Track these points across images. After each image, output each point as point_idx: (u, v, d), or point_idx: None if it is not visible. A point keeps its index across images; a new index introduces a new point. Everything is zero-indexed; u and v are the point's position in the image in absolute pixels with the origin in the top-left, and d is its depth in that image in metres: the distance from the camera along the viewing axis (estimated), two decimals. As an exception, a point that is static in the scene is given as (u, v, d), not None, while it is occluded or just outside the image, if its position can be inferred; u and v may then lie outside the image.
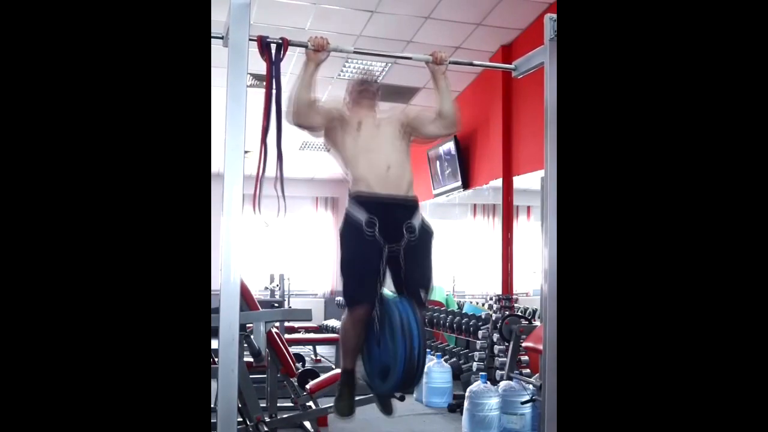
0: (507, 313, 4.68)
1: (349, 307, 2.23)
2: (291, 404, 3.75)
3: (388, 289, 2.24)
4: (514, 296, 5.17)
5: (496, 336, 4.54)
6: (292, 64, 5.36)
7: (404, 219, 2.20)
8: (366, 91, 2.37)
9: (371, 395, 2.42)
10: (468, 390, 3.83)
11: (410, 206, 2.26)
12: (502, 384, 3.85)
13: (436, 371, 4.56)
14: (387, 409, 2.37)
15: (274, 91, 1.95)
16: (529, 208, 5.96)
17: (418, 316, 2.14)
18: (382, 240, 2.13)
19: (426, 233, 2.29)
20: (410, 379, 2.15)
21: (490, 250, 5.64)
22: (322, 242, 9.27)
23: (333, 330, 6.71)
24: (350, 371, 2.31)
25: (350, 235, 2.21)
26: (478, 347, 4.80)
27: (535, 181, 4.83)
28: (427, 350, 5.22)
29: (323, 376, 3.65)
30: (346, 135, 2.25)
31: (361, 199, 2.20)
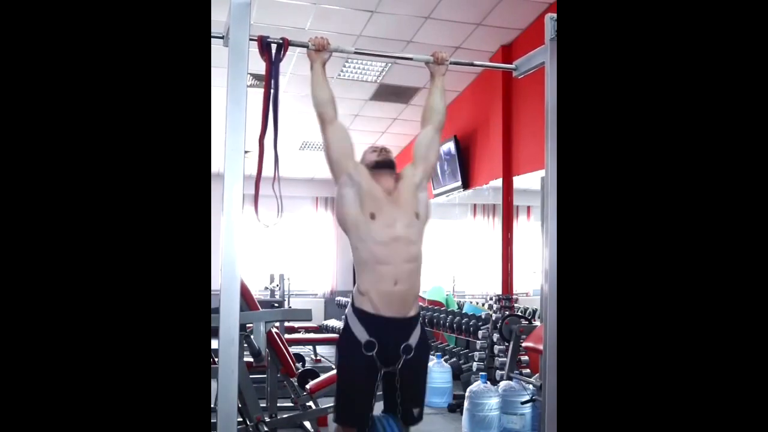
0: (507, 313, 4.68)
1: (337, 421, 2.21)
2: (291, 404, 3.75)
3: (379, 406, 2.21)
4: (514, 296, 5.17)
5: (496, 336, 4.54)
6: (292, 64, 5.37)
7: (403, 340, 2.15)
8: (383, 169, 2.24)
9: None
10: (468, 390, 3.83)
11: (411, 325, 2.21)
12: (502, 384, 3.85)
13: (436, 371, 4.56)
14: None
15: (273, 91, 1.95)
16: (529, 208, 5.96)
17: (406, 429, 2.14)
18: (379, 362, 2.11)
19: (423, 350, 2.25)
20: None
21: (490, 250, 5.64)
22: (322, 242, 9.27)
23: (333, 330, 6.72)
24: None
25: (347, 351, 2.19)
26: (478, 347, 4.80)
27: (535, 181, 4.83)
28: (427, 351, 5.23)
29: (323, 376, 3.65)
30: (357, 221, 2.15)
31: (362, 317, 2.15)
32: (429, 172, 2.34)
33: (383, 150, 2.29)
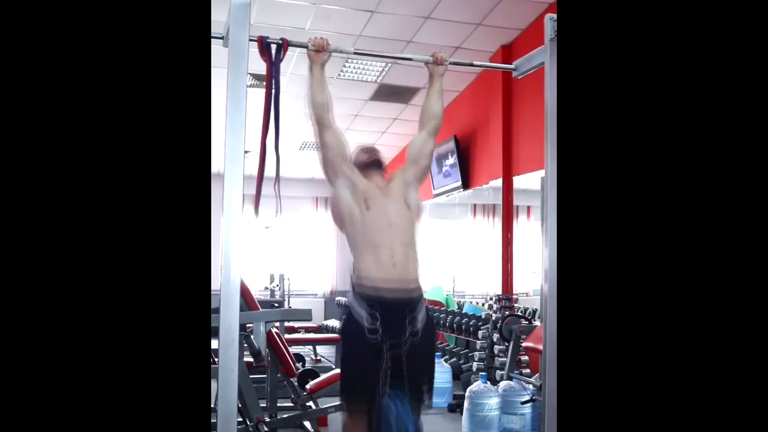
0: (507, 313, 4.68)
1: (347, 407, 2.20)
2: (291, 404, 3.75)
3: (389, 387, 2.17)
4: (514, 296, 5.17)
5: (496, 336, 4.54)
6: (292, 64, 5.37)
7: (407, 317, 2.14)
8: (373, 166, 2.31)
9: None
10: (468, 390, 3.83)
11: (415, 305, 2.19)
12: (502, 384, 3.85)
13: (436, 371, 4.55)
14: None
15: (273, 92, 1.95)
16: (529, 208, 5.96)
17: (415, 415, 2.12)
18: (384, 342, 2.09)
19: (428, 328, 2.24)
20: None
21: (490, 250, 5.64)
22: (322, 242, 9.27)
23: (333, 330, 6.72)
24: None
25: (352, 333, 2.18)
26: (478, 347, 4.80)
27: (535, 181, 4.83)
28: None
29: (323, 376, 3.65)
30: (353, 209, 2.18)
31: (364, 297, 2.14)
32: (420, 174, 2.36)
33: (372, 150, 2.37)
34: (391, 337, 2.10)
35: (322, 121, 2.20)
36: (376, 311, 2.10)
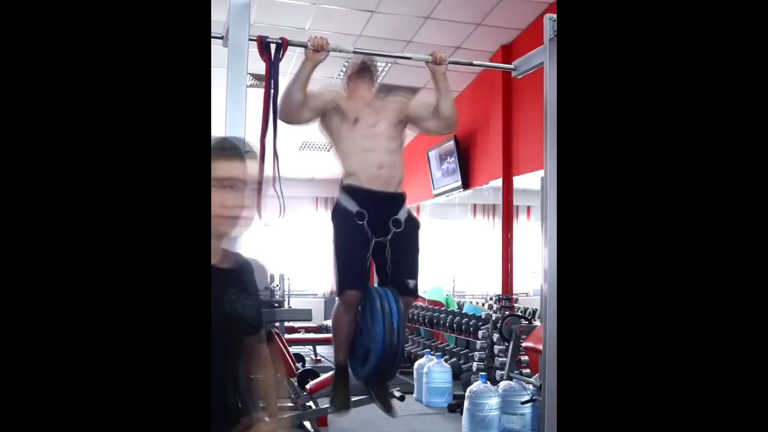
0: (507, 313, 4.68)
1: (339, 293, 2.31)
2: (291, 404, 3.75)
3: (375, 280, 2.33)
4: (514, 296, 5.17)
5: (496, 336, 4.54)
6: (291, 64, 5.36)
7: (391, 213, 2.28)
8: (364, 75, 2.41)
9: (370, 395, 2.43)
10: (468, 390, 3.83)
11: (398, 201, 2.33)
12: (502, 384, 3.85)
13: (436, 371, 4.56)
14: (387, 408, 2.39)
15: (272, 91, 1.96)
16: (529, 208, 5.97)
17: (399, 301, 2.21)
18: (370, 232, 2.22)
19: (412, 226, 2.35)
20: (390, 360, 2.21)
21: (490, 250, 5.64)
22: (322, 242, 9.26)
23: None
24: (343, 366, 2.37)
25: (340, 223, 2.31)
26: (478, 347, 4.80)
27: (535, 181, 4.83)
28: (427, 350, 5.26)
29: (323, 376, 3.65)
30: (341, 127, 2.30)
31: (351, 191, 2.27)
32: (410, 123, 2.42)
33: (363, 61, 2.45)
34: (375, 228, 2.24)
35: (300, 120, 2.24)
36: (362, 201, 2.25)
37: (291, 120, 2.20)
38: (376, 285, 2.31)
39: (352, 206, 2.25)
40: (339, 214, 2.31)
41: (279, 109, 2.07)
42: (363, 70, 2.41)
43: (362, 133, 2.28)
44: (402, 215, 2.30)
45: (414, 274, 2.36)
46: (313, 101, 2.24)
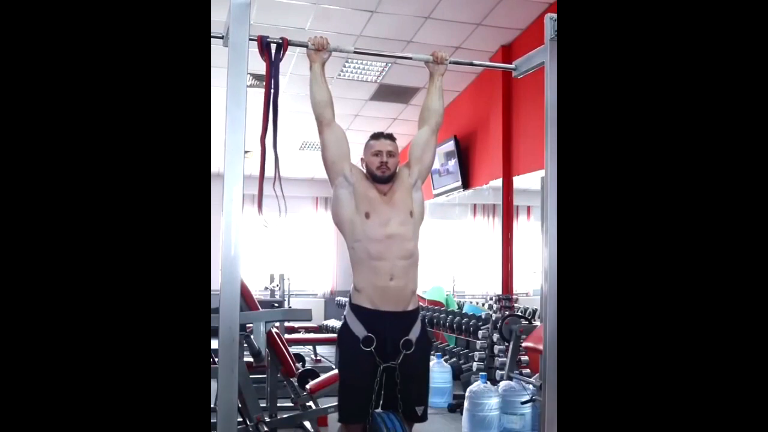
0: (507, 313, 4.68)
1: (343, 423, 2.21)
2: (291, 404, 3.75)
3: (382, 405, 2.20)
4: (514, 296, 5.17)
5: (496, 336, 4.54)
6: (291, 64, 5.37)
7: (402, 335, 2.16)
8: (382, 180, 2.23)
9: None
10: (468, 390, 3.83)
11: (410, 318, 2.21)
12: (502, 384, 3.85)
13: (436, 371, 4.56)
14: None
15: (273, 91, 1.95)
16: (529, 208, 5.96)
17: (405, 428, 2.13)
18: (378, 357, 2.12)
19: (423, 346, 2.26)
20: None
21: (490, 250, 5.64)
22: (322, 242, 9.27)
23: (333, 330, 6.71)
24: None
25: (346, 349, 2.20)
26: (478, 347, 4.79)
27: (535, 181, 4.83)
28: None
29: (323, 376, 3.65)
30: (353, 220, 2.18)
31: (359, 312, 2.17)
32: (424, 172, 2.36)
33: (384, 165, 2.24)
34: (384, 348, 2.13)
35: (321, 119, 2.21)
36: (370, 325, 2.14)
37: (323, 121, 2.19)
38: (380, 410, 2.19)
39: (359, 330, 2.14)
40: (345, 338, 2.19)
41: (278, 108, 2.04)
42: (380, 181, 2.24)
43: (374, 235, 2.15)
44: (414, 335, 2.19)
45: (424, 400, 2.25)
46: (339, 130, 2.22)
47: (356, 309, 2.18)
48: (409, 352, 2.16)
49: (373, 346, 2.12)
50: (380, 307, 2.15)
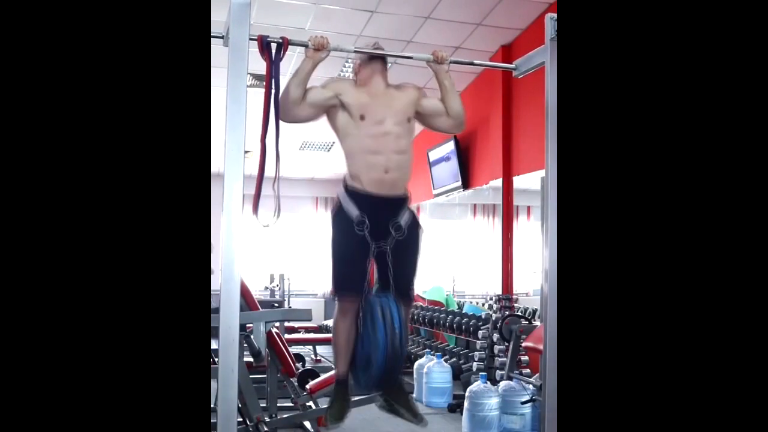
0: (507, 313, 4.68)
1: (338, 299, 2.27)
2: (291, 404, 3.75)
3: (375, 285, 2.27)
4: (514, 296, 5.17)
5: (496, 336, 4.54)
6: (292, 63, 5.36)
7: (393, 217, 2.22)
8: (374, 63, 2.30)
9: (391, 406, 2.38)
10: (468, 390, 3.82)
11: (401, 203, 2.27)
12: (502, 384, 3.85)
13: (436, 371, 4.56)
14: (413, 414, 2.30)
15: (273, 91, 1.95)
16: (529, 208, 5.96)
17: (400, 307, 2.18)
18: (371, 238, 2.17)
19: (414, 230, 2.30)
20: (392, 367, 2.17)
21: (490, 250, 5.64)
22: (322, 242, 9.24)
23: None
24: (344, 378, 2.31)
25: (340, 227, 2.26)
26: (478, 347, 4.79)
27: (535, 181, 4.83)
28: (427, 350, 5.25)
29: (323, 376, 3.64)
30: (347, 124, 2.21)
31: (353, 195, 2.22)
32: (424, 115, 2.36)
33: (376, 44, 2.33)
34: (377, 234, 2.18)
35: (289, 115, 2.15)
36: (364, 207, 2.19)
37: (288, 117, 2.14)
38: (374, 292, 2.26)
39: (353, 211, 2.20)
40: (339, 218, 2.25)
41: (279, 107, 2.04)
42: (373, 58, 2.30)
43: (368, 131, 2.19)
44: (404, 219, 2.24)
45: (412, 283, 2.32)
46: (313, 97, 2.17)
47: (350, 192, 2.22)
48: (400, 235, 2.21)
49: (366, 226, 2.17)
50: (373, 191, 2.20)
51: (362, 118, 2.19)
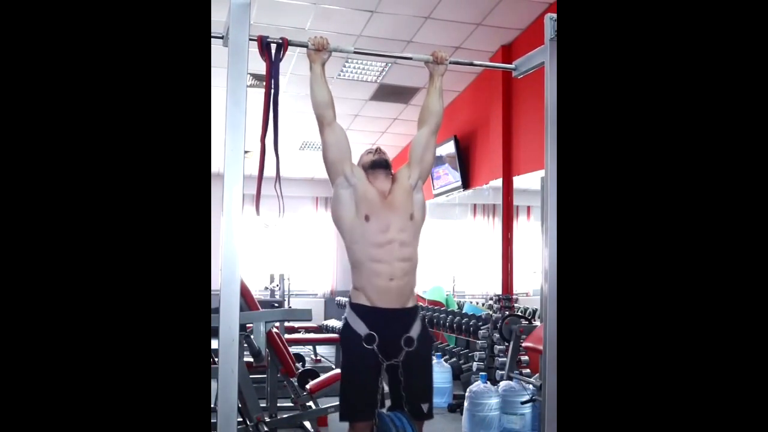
0: (507, 313, 4.68)
1: (349, 422, 2.20)
2: (291, 404, 3.75)
3: (387, 403, 2.20)
4: (514, 296, 5.17)
5: (496, 336, 4.54)
6: (292, 64, 5.37)
7: (403, 332, 2.18)
8: (378, 169, 2.26)
9: None
10: (468, 390, 3.83)
11: (410, 316, 2.22)
12: (502, 384, 3.85)
13: (436, 371, 4.55)
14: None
15: (273, 91, 1.95)
16: (529, 208, 5.96)
17: (414, 426, 2.12)
18: (381, 355, 2.12)
19: (425, 343, 2.26)
20: None
21: (490, 250, 5.64)
22: (322, 242, 9.27)
23: (333, 330, 6.71)
24: None
25: (349, 347, 2.21)
26: (478, 347, 4.79)
27: (535, 181, 4.83)
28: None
29: (323, 376, 3.65)
30: (354, 223, 2.19)
31: (359, 311, 2.18)
32: (424, 174, 2.36)
33: (378, 150, 2.33)
34: (386, 346, 2.13)
35: (322, 120, 2.21)
36: (371, 322, 2.14)
37: (324, 121, 2.20)
38: (386, 410, 2.19)
39: (361, 328, 2.15)
40: (347, 337, 2.19)
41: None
42: (376, 167, 2.27)
43: (373, 239, 2.15)
44: (415, 332, 2.20)
45: (428, 398, 2.25)
46: (340, 132, 2.23)
47: (356, 307, 2.18)
48: (411, 349, 2.16)
49: (375, 343, 2.12)
50: (380, 304, 2.15)
51: (367, 218, 2.17)
